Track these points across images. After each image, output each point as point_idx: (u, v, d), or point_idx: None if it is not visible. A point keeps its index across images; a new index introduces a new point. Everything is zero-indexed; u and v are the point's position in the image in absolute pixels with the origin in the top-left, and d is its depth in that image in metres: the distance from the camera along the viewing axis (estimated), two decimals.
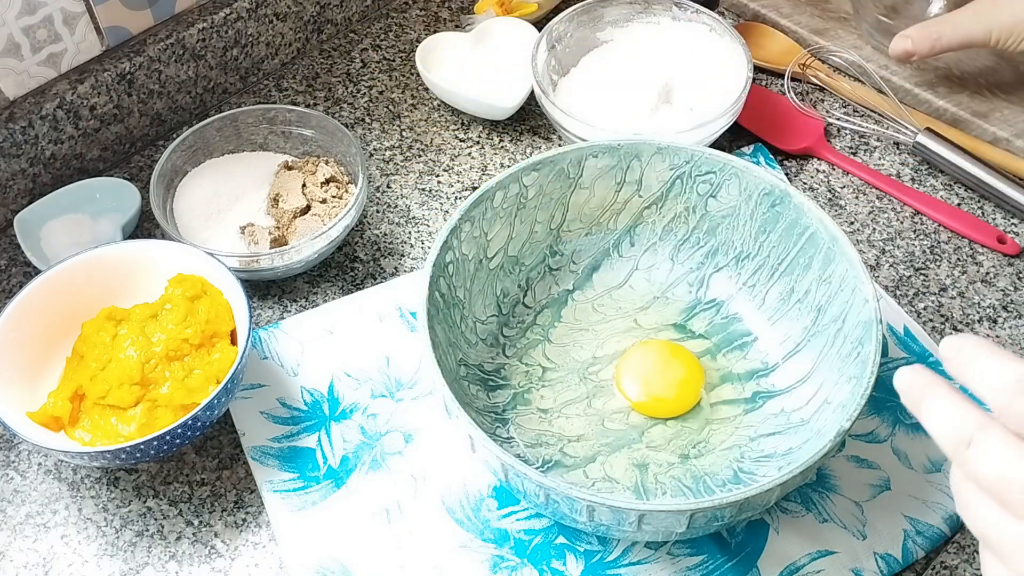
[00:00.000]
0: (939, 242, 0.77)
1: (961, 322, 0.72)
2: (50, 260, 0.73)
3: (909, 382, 0.42)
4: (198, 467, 0.65)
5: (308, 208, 0.74)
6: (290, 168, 0.77)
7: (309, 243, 0.70)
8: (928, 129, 0.81)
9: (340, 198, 0.75)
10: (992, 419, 0.38)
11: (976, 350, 0.40)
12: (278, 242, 0.72)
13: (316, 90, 0.88)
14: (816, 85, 0.88)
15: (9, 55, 0.73)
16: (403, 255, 0.76)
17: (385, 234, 0.78)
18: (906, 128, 0.82)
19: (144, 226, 0.78)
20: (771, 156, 0.81)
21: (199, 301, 0.64)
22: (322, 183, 0.75)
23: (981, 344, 0.40)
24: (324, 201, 0.74)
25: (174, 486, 0.64)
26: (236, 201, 0.76)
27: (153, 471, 0.65)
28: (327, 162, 0.76)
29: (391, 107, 0.87)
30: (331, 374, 0.68)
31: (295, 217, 0.74)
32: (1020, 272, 0.75)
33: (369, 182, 0.81)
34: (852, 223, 0.78)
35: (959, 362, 0.40)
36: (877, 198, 0.80)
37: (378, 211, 0.79)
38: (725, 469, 0.62)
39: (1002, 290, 0.74)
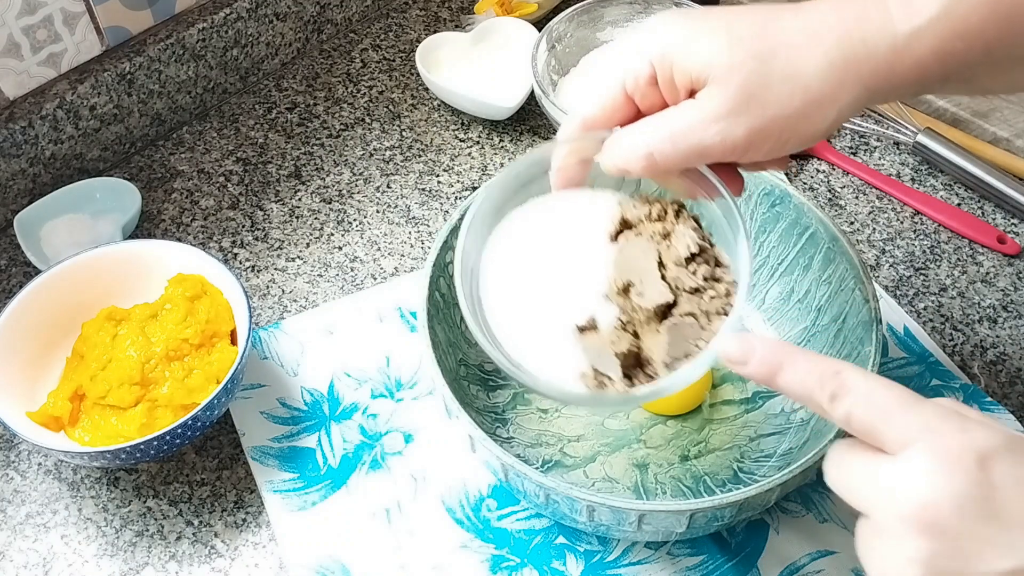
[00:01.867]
0: (939, 242, 0.77)
1: (961, 322, 0.72)
2: (50, 260, 0.73)
3: (757, 352, 0.42)
4: (198, 467, 0.65)
5: (673, 304, 0.48)
6: (630, 226, 0.51)
7: (684, 369, 0.47)
8: (928, 129, 0.81)
9: (717, 281, 0.49)
10: (844, 364, 0.41)
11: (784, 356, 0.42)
12: (632, 360, 0.48)
13: (316, 90, 0.88)
14: None
15: (9, 55, 0.73)
16: (403, 255, 0.76)
17: (385, 234, 0.78)
18: (906, 128, 0.81)
19: (144, 226, 0.78)
20: None
21: (199, 301, 0.64)
22: (687, 258, 0.49)
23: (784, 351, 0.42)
24: (697, 291, 0.48)
25: (174, 486, 0.64)
26: (561, 274, 0.50)
27: (153, 471, 0.65)
28: (680, 212, 0.51)
29: (391, 107, 0.87)
30: (331, 374, 0.68)
31: (656, 318, 0.48)
32: (1020, 272, 0.75)
33: (367, 182, 0.81)
34: (852, 223, 0.78)
35: (768, 371, 0.42)
36: (877, 198, 0.80)
37: (378, 211, 0.79)
38: (725, 469, 0.62)
39: (1002, 290, 0.74)
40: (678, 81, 0.45)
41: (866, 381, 0.40)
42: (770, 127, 0.44)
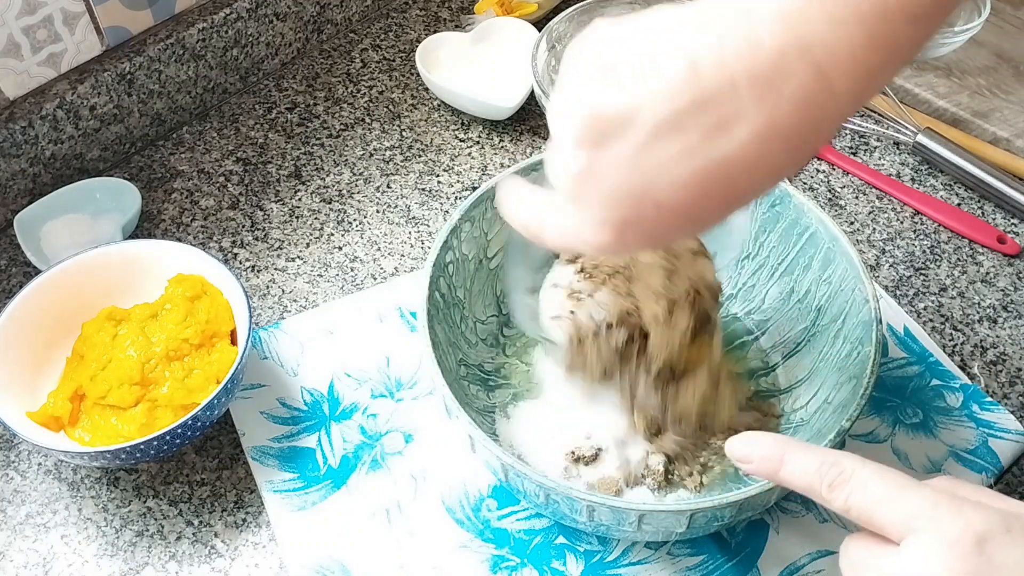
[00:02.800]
0: (939, 242, 0.77)
1: (961, 322, 0.72)
2: (50, 260, 0.73)
3: (759, 450, 0.46)
4: (198, 467, 0.65)
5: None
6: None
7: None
8: (928, 129, 0.81)
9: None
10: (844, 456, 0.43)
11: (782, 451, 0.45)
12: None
13: (316, 90, 0.88)
14: None
15: (9, 55, 0.73)
16: (403, 255, 0.76)
17: (385, 234, 0.78)
18: (906, 128, 0.81)
19: (144, 226, 0.78)
20: None
21: (199, 301, 0.64)
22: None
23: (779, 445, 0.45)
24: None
25: (174, 486, 0.64)
26: None
27: (153, 471, 0.65)
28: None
29: (391, 107, 0.87)
30: (331, 374, 0.68)
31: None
32: (1020, 272, 0.75)
33: (367, 182, 0.81)
34: (852, 223, 0.78)
35: (771, 466, 0.45)
36: (877, 198, 0.80)
37: (378, 211, 0.79)
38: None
39: (1002, 290, 0.74)
40: None
41: (863, 468, 0.42)
42: None
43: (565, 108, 0.40)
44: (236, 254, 0.77)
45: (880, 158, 0.83)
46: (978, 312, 0.72)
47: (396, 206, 0.80)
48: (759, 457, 0.46)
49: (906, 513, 0.39)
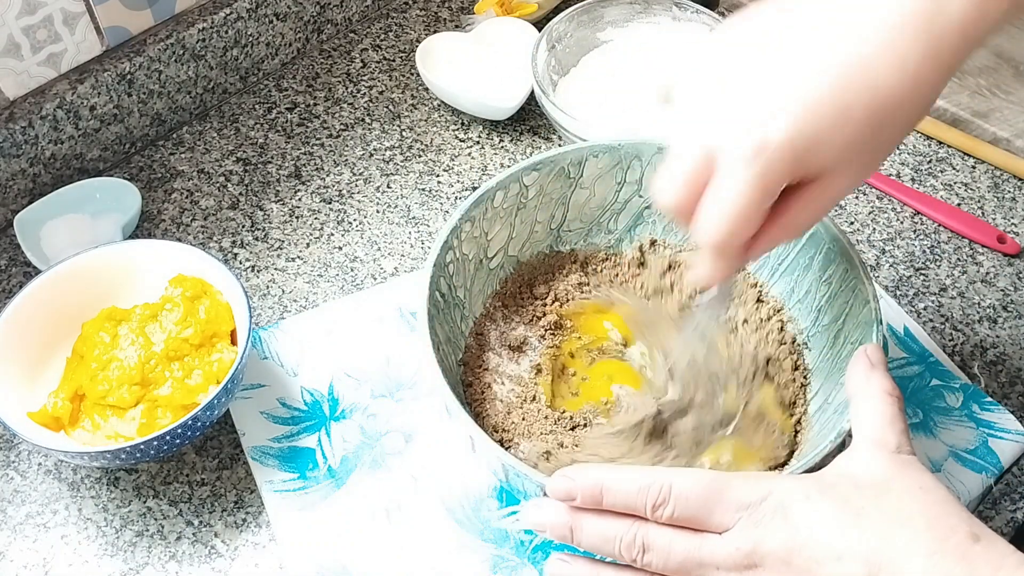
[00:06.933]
0: (939, 242, 0.77)
1: (961, 322, 0.72)
2: (50, 260, 0.73)
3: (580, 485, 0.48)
4: (198, 467, 0.65)
5: None
6: None
7: None
8: None
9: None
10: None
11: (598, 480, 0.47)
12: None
13: (316, 90, 0.88)
14: None
15: (9, 55, 0.73)
16: (403, 255, 0.76)
17: (385, 234, 0.78)
18: None
19: (144, 226, 0.78)
20: None
21: (199, 301, 0.64)
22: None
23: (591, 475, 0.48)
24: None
25: (174, 486, 0.64)
26: None
27: (153, 471, 0.65)
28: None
29: (391, 107, 0.87)
30: (331, 374, 0.68)
31: None
32: (1020, 272, 0.75)
33: (367, 182, 0.81)
34: (852, 223, 0.78)
35: (595, 501, 0.47)
36: (877, 198, 0.80)
37: (378, 211, 0.79)
38: None
39: (1002, 290, 0.74)
40: None
41: (679, 482, 0.46)
42: None
43: None
44: (236, 254, 0.77)
45: None
46: (978, 312, 0.72)
47: (396, 206, 0.80)
48: (580, 495, 0.47)
49: (725, 516, 0.45)
